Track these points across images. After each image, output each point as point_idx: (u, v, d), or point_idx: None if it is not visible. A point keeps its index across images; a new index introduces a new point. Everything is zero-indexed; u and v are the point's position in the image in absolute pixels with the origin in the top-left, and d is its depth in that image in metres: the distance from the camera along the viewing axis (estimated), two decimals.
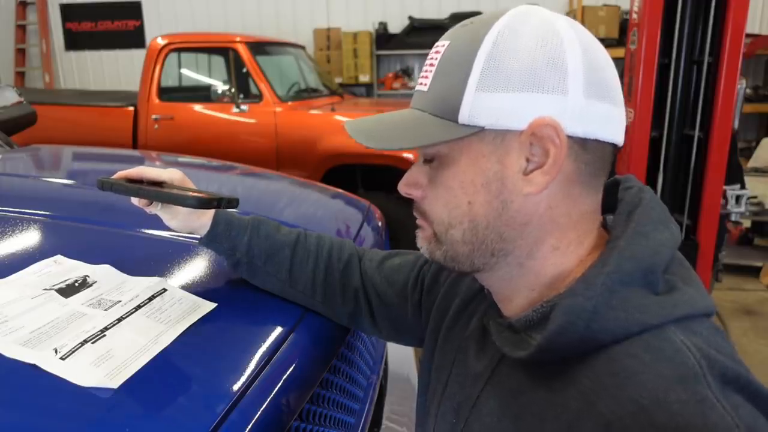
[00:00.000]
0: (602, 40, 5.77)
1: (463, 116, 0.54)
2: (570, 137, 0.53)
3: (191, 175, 0.89)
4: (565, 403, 0.50)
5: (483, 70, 0.53)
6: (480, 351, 0.65)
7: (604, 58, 0.56)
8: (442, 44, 0.58)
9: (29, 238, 1.05)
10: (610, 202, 0.61)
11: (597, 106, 0.54)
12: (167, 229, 0.87)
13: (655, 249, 0.53)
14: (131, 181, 0.83)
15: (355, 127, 0.61)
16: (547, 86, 0.52)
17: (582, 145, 0.54)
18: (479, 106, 0.54)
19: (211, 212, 0.86)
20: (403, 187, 0.62)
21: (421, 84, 0.59)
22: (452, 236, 0.58)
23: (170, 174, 0.84)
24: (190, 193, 0.78)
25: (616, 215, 0.58)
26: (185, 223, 0.84)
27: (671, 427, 0.44)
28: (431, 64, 0.58)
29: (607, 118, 0.55)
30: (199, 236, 0.88)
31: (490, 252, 0.57)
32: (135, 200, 0.83)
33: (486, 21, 0.56)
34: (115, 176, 0.83)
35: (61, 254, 0.94)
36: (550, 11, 0.57)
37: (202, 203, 0.77)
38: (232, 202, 0.80)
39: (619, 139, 0.57)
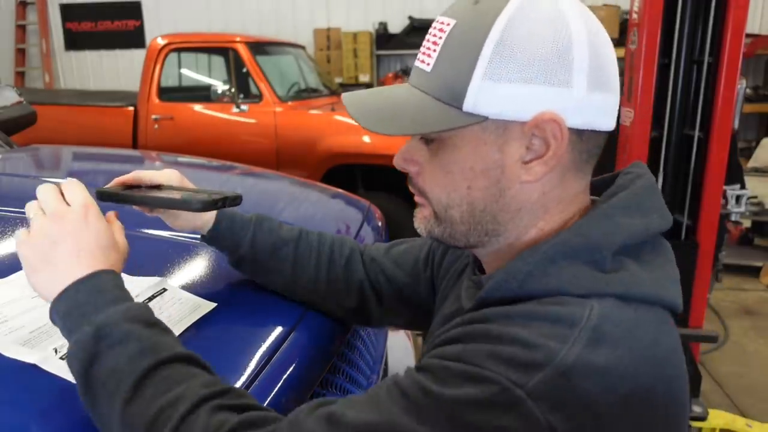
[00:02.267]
0: None
1: (468, 104, 0.54)
2: (570, 129, 0.55)
3: (191, 175, 0.89)
4: (467, 316, 0.56)
5: (491, 59, 0.53)
6: (454, 301, 0.69)
7: (606, 46, 0.57)
8: (447, 22, 0.57)
9: None
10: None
11: (597, 97, 0.55)
12: (167, 229, 0.87)
13: (611, 230, 0.55)
14: (129, 186, 0.81)
15: (354, 103, 0.61)
16: (553, 79, 0.53)
17: (579, 135, 0.56)
18: (485, 95, 0.54)
19: (212, 212, 0.85)
20: (400, 161, 0.63)
21: (422, 61, 0.59)
22: (451, 216, 0.60)
23: (167, 175, 0.83)
24: (194, 196, 0.76)
25: (601, 196, 0.60)
26: (188, 223, 0.84)
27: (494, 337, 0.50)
28: (435, 42, 0.57)
29: (604, 109, 0.56)
30: (201, 234, 0.87)
31: (484, 232, 0.60)
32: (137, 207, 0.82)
33: (495, 3, 0.55)
34: (111, 184, 0.81)
35: None
36: None
37: (207, 206, 0.75)
38: (236, 200, 0.79)
39: (611, 125, 0.58)
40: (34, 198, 0.69)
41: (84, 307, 0.61)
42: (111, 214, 0.74)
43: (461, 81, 0.54)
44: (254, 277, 0.90)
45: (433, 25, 0.59)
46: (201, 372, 0.60)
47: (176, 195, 0.78)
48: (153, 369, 0.57)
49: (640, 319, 0.53)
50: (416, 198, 0.64)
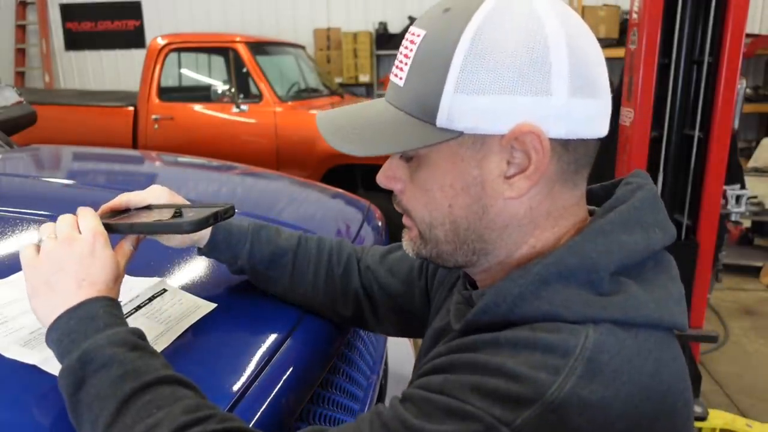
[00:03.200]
0: (602, 40, 5.78)
1: (441, 119, 0.52)
2: (553, 140, 0.51)
3: (192, 175, 0.89)
4: (453, 344, 0.53)
5: (461, 71, 0.50)
6: (444, 316, 0.67)
7: (589, 47, 0.53)
8: (417, 33, 0.54)
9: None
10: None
11: (581, 103, 0.51)
12: None
13: (609, 249, 0.51)
14: (118, 211, 0.79)
15: (327, 123, 0.58)
16: (529, 88, 0.50)
17: (565, 145, 0.53)
18: (458, 109, 0.51)
19: None
20: (383, 179, 0.61)
21: (395, 76, 0.56)
22: (436, 236, 0.58)
23: (156, 193, 0.80)
24: (183, 218, 0.73)
25: (599, 209, 0.57)
26: (183, 240, 0.81)
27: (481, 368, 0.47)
28: (406, 56, 0.55)
29: (590, 116, 0.52)
30: (199, 247, 0.85)
31: (471, 251, 0.57)
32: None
33: (465, 9, 0.52)
34: (99, 211, 0.77)
35: None
36: None
37: (197, 226, 0.72)
38: (228, 212, 0.76)
39: (603, 131, 0.55)
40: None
41: (74, 334, 0.61)
42: (123, 243, 0.73)
43: (433, 95, 0.52)
44: (255, 283, 0.90)
45: (405, 36, 0.56)
46: (186, 395, 0.58)
47: (166, 216, 0.75)
48: (135, 393, 0.56)
49: (641, 347, 0.49)
50: (403, 219, 0.62)
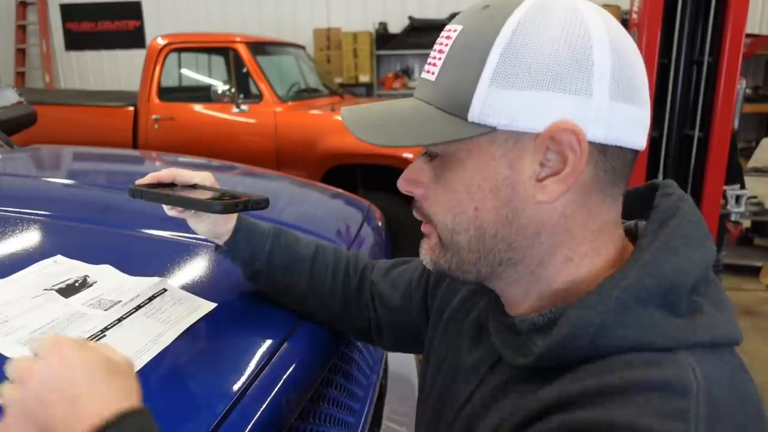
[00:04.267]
0: None
1: (473, 114, 0.49)
2: (590, 143, 0.48)
3: None
4: (542, 395, 0.47)
5: (499, 64, 0.48)
6: (473, 347, 0.62)
7: (633, 53, 0.51)
8: (454, 28, 0.52)
9: (29, 238, 1.05)
10: (644, 207, 0.56)
11: (622, 109, 0.49)
12: (167, 229, 0.87)
13: (683, 267, 0.48)
14: (163, 184, 0.81)
15: (353, 118, 0.56)
16: (570, 86, 0.47)
17: (602, 151, 0.49)
18: (492, 104, 0.48)
19: (235, 218, 0.83)
20: (404, 184, 0.57)
21: (427, 72, 0.54)
22: (458, 242, 0.54)
23: (202, 177, 0.81)
24: (216, 199, 0.75)
25: (648, 223, 0.53)
26: (211, 228, 0.81)
27: None
28: (440, 51, 0.52)
29: (631, 123, 0.50)
30: (217, 245, 0.85)
31: (497, 261, 0.53)
32: (165, 207, 0.80)
33: (506, 5, 0.50)
34: (147, 178, 0.80)
35: (61, 254, 0.94)
36: None
37: (227, 208, 0.73)
38: (260, 203, 0.76)
39: (642, 144, 0.52)
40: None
41: None
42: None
43: (466, 88, 0.49)
44: (268, 291, 0.88)
45: (441, 33, 0.54)
46: None
47: (203, 196, 0.77)
48: None
49: (734, 370, 0.46)
50: (423, 227, 0.58)
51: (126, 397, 0.49)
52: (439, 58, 0.52)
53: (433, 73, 0.53)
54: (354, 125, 0.54)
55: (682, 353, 0.45)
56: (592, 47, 0.48)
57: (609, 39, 0.48)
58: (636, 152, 0.52)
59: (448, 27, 0.54)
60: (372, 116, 0.56)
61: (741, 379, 0.46)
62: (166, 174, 0.81)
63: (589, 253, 0.52)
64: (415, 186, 0.56)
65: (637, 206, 0.58)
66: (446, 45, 0.52)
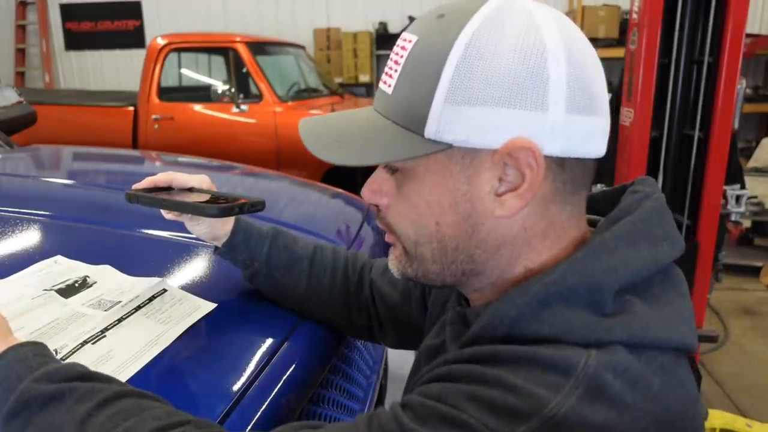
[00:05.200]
0: (602, 40, 5.77)
1: (430, 131, 0.49)
2: (548, 157, 0.48)
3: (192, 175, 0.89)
4: (447, 357, 0.51)
5: (453, 80, 0.47)
6: (436, 334, 0.65)
7: (591, 62, 0.50)
8: (409, 39, 0.51)
9: (29, 238, 1.05)
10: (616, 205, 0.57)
11: (579, 121, 0.48)
12: (167, 229, 0.87)
13: (614, 266, 0.48)
14: (160, 188, 0.81)
15: (310, 131, 0.56)
16: (525, 102, 0.47)
17: (560, 164, 0.50)
18: (448, 121, 0.48)
19: (232, 220, 0.83)
20: (368, 194, 0.57)
21: (384, 83, 0.53)
22: (421, 253, 0.55)
23: (199, 180, 0.82)
24: (212, 203, 0.75)
25: (603, 220, 0.54)
26: (209, 230, 0.82)
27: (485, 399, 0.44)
28: (396, 62, 0.52)
29: (588, 134, 0.50)
30: (216, 246, 0.85)
31: (460, 272, 0.54)
32: (163, 211, 0.81)
33: (460, 16, 0.49)
34: (143, 182, 0.80)
35: (61, 254, 0.94)
36: (534, 2, 0.51)
37: (223, 212, 0.73)
38: (256, 206, 0.77)
39: (600, 151, 0.52)
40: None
41: (6, 381, 0.56)
42: None
43: (422, 105, 0.49)
44: (267, 291, 0.88)
45: (397, 42, 0.53)
46: (153, 405, 0.54)
47: (199, 199, 0.77)
48: (93, 412, 0.52)
49: (647, 369, 0.46)
50: (387, 237, 0.59)
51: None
52: (396, 70, 0.52)
53: (389, 85, 0.52)
54: (311, 142, 0.55)
55: (591, 350, 0.45)
56: (547, 60, 0.47)
57: (565, 49, 0.48)
58: (596, 160, 0.53)
59: (403, 36, 0.53)
60: (329, 131, 0.56)
61: (651, 381, 0.46)
62: (162, 178, 0.81)
63: (549, 260, 0.53)
64: (379, 196, 0.56)
65: (612, 204, 0.58)
66: (401, 56, 0.52)
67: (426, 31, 0.51)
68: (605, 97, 0.52)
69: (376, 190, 0.57)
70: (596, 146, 0.51)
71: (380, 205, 0.57)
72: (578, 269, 0.48)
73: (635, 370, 0.45)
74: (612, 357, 0.45)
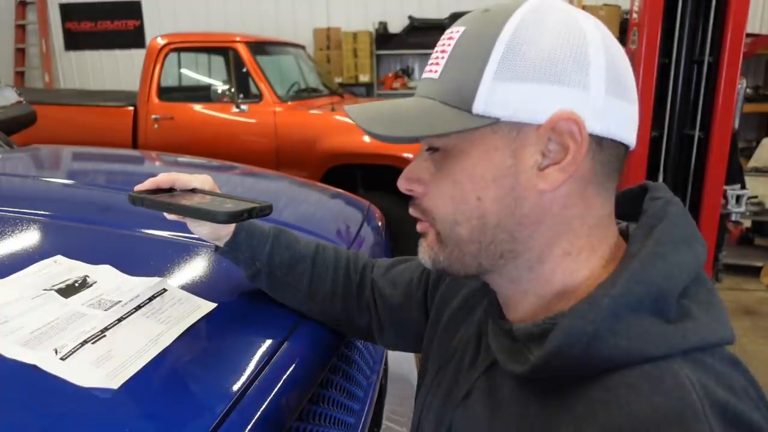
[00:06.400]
0: None
1: (478, 106, 0.51)
2: (589, 134, 0.51)
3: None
4: (557, 427, 0.48)
5: (502, 58, 0.50)
6: (473, 347, 0.64)
7: (622, 56, 0.54)
8: (456, 30, 0.55)
9: (29, 238, 1.05)
10: (634, 209, 0.58)
11: (616, 104, 0.52)
12: (167, 229, 0.87)
13: (671, 272, 0.49)
14: (162, 188, 0.80)
15: (356, 111, 0.57)
16: (569, 79, 0.50)
17: (599, 143, 0.52)
18: (496, 97, 0.51)
19: None
20: (404, 183, 0.58)
21: (430, 71, 0.56)
22: (458, 234, 0.55)
23: (201, 181, 0.82)
24: (220, 207, 0.75)
25: (636, 228, 0.54)
26: (211, 230, 0.82)
27: None
28: (443, 51, 0.54)
29: (625, 118, 0.53)
30: (217, 246, 0.85)
31: (498, 253, 0.54)
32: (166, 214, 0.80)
33: (506, 8, 0.53)
34: (145, 183, 0.80)
35: (61, 254, 0.94)
36: (569, 4, 0.55)
37: (232, 217, 0.73)
38: (264, 210, 0.76)
39: (632, 139, 0.54)
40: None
41: None
42: None
43: (470, 83, 0.51)
44: (269, 291, 0.88)
45: (443, 36, 0.56)
46: None
47: (205, 203, 0.76)
48: None
49: (723, 369, 0.47)
50: (419, 226, 0.59)
51: None
52: (442, 58, 0.54)
53: (436, 72, 0.55)
54: (360, 119, 0.56)
55: (677, 361, 0.46)
56: (588, 45, 0.51)
57: (602, 39, 0.52)
58: (627, 149, 0.55)
59: (450, 29, 0.56)
60: (377, 113, 0.57)
61: (737, 376, 0.47)
62: (164, 179, 0.80)
63: (585, 247, 0.54)
64: (416, 184, 0.58)
65: (628, 209, 0.59)
66: (449, 45, 0.54)
67: (473, 22, 0.54)
68: (635, 90, 0.55)
69: (412, 178, 0.58)
70: (630, 132, 0.54)
71: (416, 194, 0.58)
72: (640, 279, 0.49)
73: (725, 375, 0.47)
74: (702, 368, 0.46)
